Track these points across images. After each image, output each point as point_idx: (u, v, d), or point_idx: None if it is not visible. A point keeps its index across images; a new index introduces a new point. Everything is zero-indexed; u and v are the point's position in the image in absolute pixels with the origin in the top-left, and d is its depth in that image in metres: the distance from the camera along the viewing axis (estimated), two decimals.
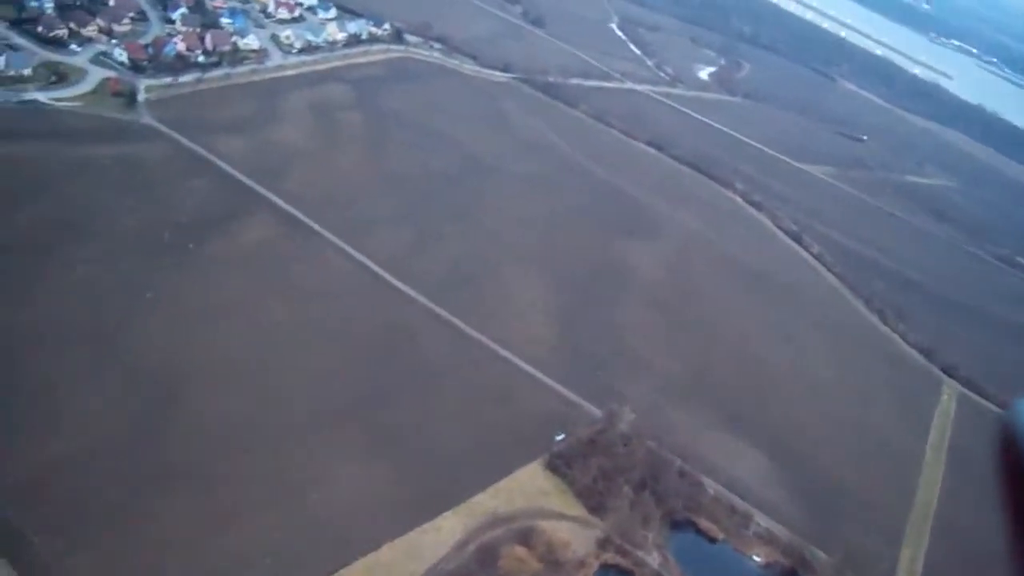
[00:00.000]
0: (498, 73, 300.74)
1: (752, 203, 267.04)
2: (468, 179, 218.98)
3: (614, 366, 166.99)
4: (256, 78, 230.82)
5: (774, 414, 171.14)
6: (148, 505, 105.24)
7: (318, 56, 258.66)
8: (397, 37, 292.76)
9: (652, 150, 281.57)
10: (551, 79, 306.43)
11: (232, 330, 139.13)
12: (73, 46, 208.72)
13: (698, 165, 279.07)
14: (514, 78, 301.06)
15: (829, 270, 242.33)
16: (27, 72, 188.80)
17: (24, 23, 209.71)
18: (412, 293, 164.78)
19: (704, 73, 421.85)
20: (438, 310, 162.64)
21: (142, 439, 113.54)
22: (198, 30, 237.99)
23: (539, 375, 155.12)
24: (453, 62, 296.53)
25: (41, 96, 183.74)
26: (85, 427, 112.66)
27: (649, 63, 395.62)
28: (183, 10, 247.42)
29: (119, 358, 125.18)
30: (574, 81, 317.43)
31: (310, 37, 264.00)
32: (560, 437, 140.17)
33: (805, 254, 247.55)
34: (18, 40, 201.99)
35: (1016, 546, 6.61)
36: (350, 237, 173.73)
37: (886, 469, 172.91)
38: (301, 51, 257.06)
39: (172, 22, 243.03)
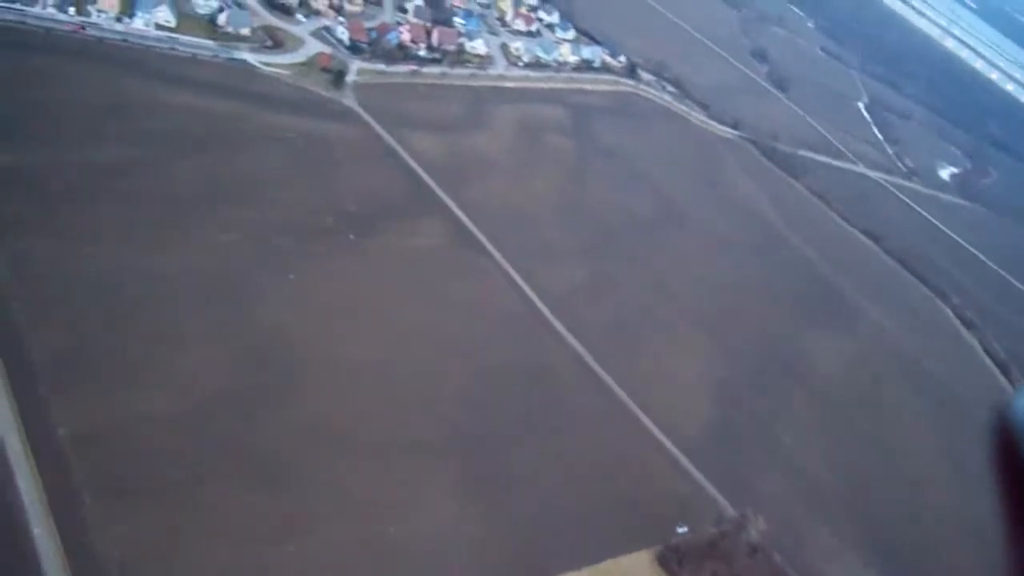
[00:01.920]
0: (725, 128, 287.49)
1: (963, 319, 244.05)
2: (660, 228, 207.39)
3: (761, 462, 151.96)
4: (472, 83, 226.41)
5: (926, 557, 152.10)
6: (216, 490, 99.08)
7: (543, 74, 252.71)
8: (630, 71, 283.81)
9: (867, 240, 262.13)
10: (779, 145, 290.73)
11: (365, 330, 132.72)
12: (299, 16, 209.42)
13: (914, 266, 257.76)
14: (741, 136, 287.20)
15: None
16: (245, 31, 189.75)
17: None
18: (565, 334, 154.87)
19: (946, 172, 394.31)
20: (588, 358, 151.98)
21: (235, 419, 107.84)
22: (428, 24, 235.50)
23: (677, 453, 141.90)
24: (681, 107, 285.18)
25: (251, 57, 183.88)
26: (182, 393, 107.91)
27: (889, 150, 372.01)
28: (418, 1, 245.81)
29: (240, 331, 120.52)
30: (803, 152, 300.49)
31: (540, 53, 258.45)
32: (682, 530, 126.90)
33: (1010, 388, 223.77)
34: (248, 0, 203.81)
35: (1012, 540, 6.63)
36: (518, 262, 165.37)
37: None
38: (527, 66, 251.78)
39: (405, 11, 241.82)
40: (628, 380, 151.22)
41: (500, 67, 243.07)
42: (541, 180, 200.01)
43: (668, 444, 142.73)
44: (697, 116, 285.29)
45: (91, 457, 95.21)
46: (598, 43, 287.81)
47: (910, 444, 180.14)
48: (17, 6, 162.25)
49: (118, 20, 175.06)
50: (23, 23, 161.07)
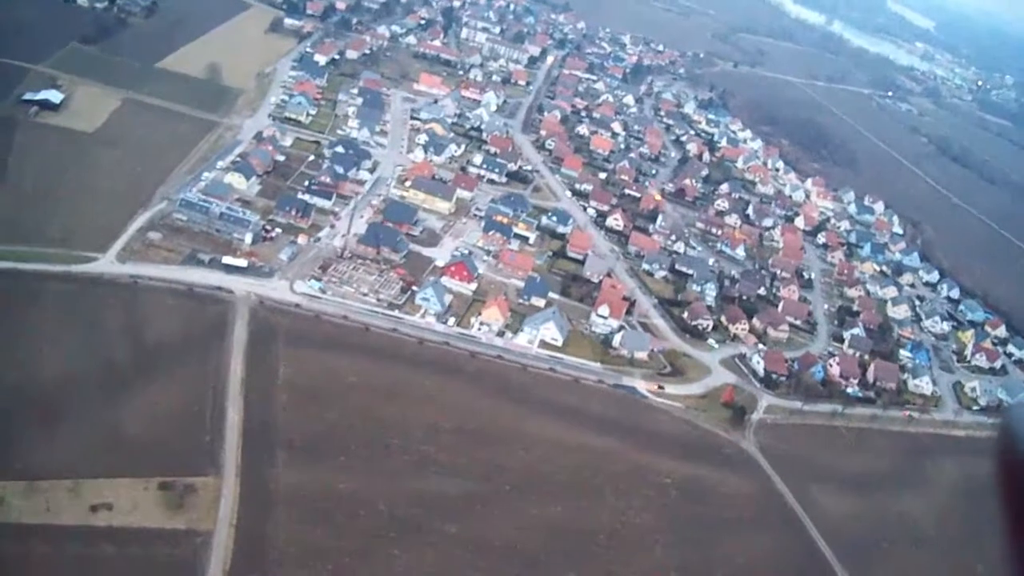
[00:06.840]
0: None
1: None
2: None
3: None
4: (910, 429, 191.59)
5: None
6: None
7: None
8: None
9: None
10: None
11: None
12: (711, 341, 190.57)
13: None
14: None
15: None
16: (641, 355, 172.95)
17: (673, 305, 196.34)
18: None
19: None
20: None
21: None
22: (864, 356, 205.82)
23: None
24: None
25: (641, 385, 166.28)
26: None
27: None
28: (858, 330, 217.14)
29: None
30: None
31: (1003, 396, 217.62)
32: None
33: None
34: (656, 320, 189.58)
35: (1013, 546, 6.75)
36: None
37: None
38: (983, 410, 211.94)
39: (841, 341, 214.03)
40: None
41: (948, 410, 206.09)
42: (983, 566, 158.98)
43: None
44: None
45: None
46: None
47: None
48: (396, 314, 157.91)
49: (500, 335, 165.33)
50: (395, 330, 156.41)
